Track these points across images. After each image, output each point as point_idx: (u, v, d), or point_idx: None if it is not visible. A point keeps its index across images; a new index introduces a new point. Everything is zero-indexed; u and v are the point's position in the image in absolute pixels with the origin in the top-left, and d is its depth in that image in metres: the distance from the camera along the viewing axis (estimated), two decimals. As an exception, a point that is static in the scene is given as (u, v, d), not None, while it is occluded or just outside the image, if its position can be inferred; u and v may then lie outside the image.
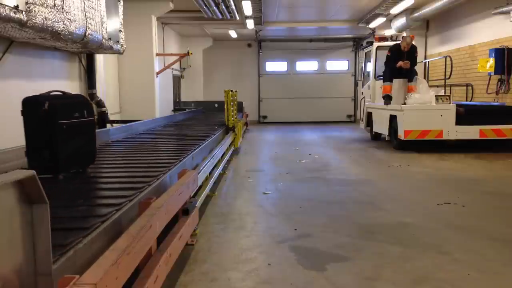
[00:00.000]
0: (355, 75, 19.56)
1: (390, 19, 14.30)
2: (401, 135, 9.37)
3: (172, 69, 15.09)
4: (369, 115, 11.83)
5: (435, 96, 9.50)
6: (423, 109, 9.33)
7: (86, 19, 6.31)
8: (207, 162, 5.33)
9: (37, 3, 5.00)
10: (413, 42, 10.17)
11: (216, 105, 15.60)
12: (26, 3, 4.86)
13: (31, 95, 3.65)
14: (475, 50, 12.22)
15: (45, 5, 5.17)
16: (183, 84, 18.06)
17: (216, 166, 6.20)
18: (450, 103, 9.45)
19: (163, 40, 14.36)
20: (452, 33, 13.54)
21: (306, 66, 20.13)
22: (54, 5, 5.37)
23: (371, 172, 7.48)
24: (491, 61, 10.72)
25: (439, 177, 6.90)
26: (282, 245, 3.89)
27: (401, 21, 13.87)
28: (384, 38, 12.22)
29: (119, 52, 8.12)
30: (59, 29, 5.51)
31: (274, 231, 4.31)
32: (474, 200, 5.48)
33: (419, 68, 11.31)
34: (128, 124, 7.78)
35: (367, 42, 13.57)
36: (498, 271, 3.30)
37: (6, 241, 1.50)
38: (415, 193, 5.87)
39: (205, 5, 10.90)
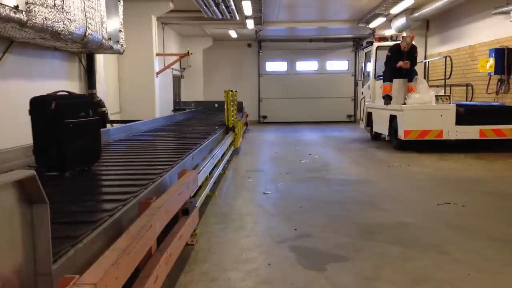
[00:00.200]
0: (355, 75, 19.56)
1: (390, 19, 14.30)
2: (401, 135, 9.37)
3: (172, 69, 15.10)
4: (369, 115, 11.83)
5: (435, 96, 9.50)
6: (423, 109, 9.33)
7: (86, 19, 6.31)
8: (207, 162, 5.34)
9: (37, 3, 5.00)
10: (413, 42, 10.17)
11: (216, 105, 15.60)
12: (26, 3, 4.86)
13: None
14: (475, 50, 12.22)
15: (45, 5, 5.17)
16: (183, 84, 18.06)
17: (216, 166, 6.20)
18: (450, 103, 9.45)
19: (163, 40, 14.36)
20: (452, 33, 13.54)
21: (306, 66, 20.13)
22: (54, 5, 5.37)
23: (371, 172, 7.48)
24: (491, 61, 10.72)
25: (439, 177, 6.90)
26: (282, 245, 3.89)
27: (401, 21, 13.87)
28: (384, 38, 12.22)
29: (119, 52, 8.12)
30: (59, 29, 5.51)
31: (274, 231, 4.31)
32: (474, 200, 5.48)
33: (419, 68, 11.31)
34: (128, 124, 7.78)
35: (367, 42, 13.57)
36: (498, 271, 3.30)
37: (6, 241, 1.50)
38: (415, 193, 5.87)
39: (205, 5, 10.90)
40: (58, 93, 3.81)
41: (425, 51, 15.38)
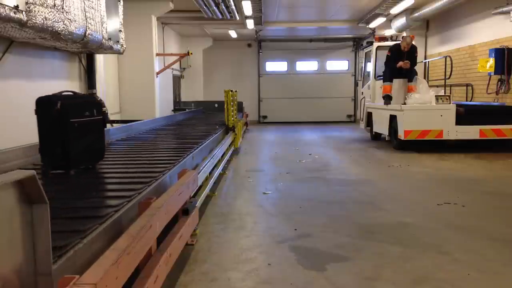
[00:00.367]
0: (355, 75, 19.56)
1: (390, 19, 14.30)
2: (401, 135, 9.37)
3: (172, 69, 15.09)
4: (369, 115, 11.83)
5: (435, 96, 9.50)
6: (423, 109, 9.33)
7: (86, 19, 6.30)
8: (207, 162, 5.34)
9: (37, 3, 5.00)
10: (413, 42, 10.17)
11: (216, 105, 15.60)
12: (26, 3, 4.86)
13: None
14: (475, 50, 12.22)
15: (45, 5, 5.17)
16: (183, 84, 18.06)
17: (216, 166, 6.20)
18: (450, 103, 9.45)
19: (163, 40, 14.36)
20: (452, 33, 13.54)
21: (306, 66, 20.13)
22: (54, 5, 5.37)
23: (371, 172, 7.48)
24: (491, 61, 10.72)
25: (439, 177, 6.90)
26: (282, 245, 3.89)
27: (401, 21, 13.87)
28: (384, 38, 12.22)
29: (119, 52, 8.11)
30: (59, 29, 5.51)
31: (274, 231, 4.31)
32: (474, 200, 5.48)
33: (419, 68, 11.31)
34: (128, 124, 7.78)
35: (367, 42, 13.57)
36: (498, 271, 3.30)
37: (6, 241, 1.50)
38: (415, 193, 5.87)
39: (205, 5, 10.90)
40: (63, 93, 3.91)
41: (425, 51, 15.38)
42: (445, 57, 11.22)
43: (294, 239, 4.06)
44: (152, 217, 2.47)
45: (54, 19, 5.33)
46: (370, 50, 12.29)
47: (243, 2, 11.46)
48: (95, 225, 2.26)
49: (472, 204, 5.26)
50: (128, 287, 2.09)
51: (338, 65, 20.12)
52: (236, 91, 10.86)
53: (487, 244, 3.86)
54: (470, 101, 12.12)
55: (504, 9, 10.38)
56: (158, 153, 5.06)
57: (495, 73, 10.70)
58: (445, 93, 10.69)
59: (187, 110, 14.52)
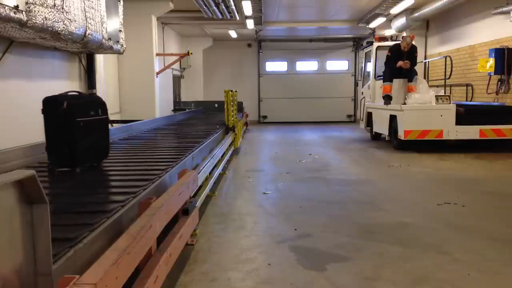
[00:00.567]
0: (355, 75, 19.56)
1: (390, 19, 14.30)
2: (401, 135, 9.37)
3: (172, 69, 15.09)
4: (369, 115, 11.83)
5: (435, 96, 9.50)
6: (423, 109, 9.33)
7: (86, 19, 6.30)
8: (207, 162, 5.33)
9: (37, 3, 5.00)
10: (413, 42, 10.17)
11: (216, 105, 15.60)
12: (26, 3, 4.86)
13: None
14: (475, 50, 12.22)
15: (45, 5, 5.17)
16: (183, 84, 18.06)
17: (216, 166, 6.19)
18: (450, 103, 9.45)
19: (163, 40, 14.36)
20: (452, 33, 13.54)
21: (306, 66, 20.13)
22: (54, 5, 5.37)
23: (371, 172, 7.48)
24: (491, 61, 10.72)
25: (439, 177, 6.90)
26: (282, 245, 3.89)
27: (401, 21, 13.87)
28: (384, 38, 12.22)
29: (119, 52, 8.11)
30: (59, 29, 5.51)
31: (274, 231, 4.31)
32: (474, 200, 5.48)
33: (419, 68, 11.31)
34: (128, 124, 7.79)
35: (367, 42, 13.56)
36: (498, 271, 3.30)
37: (6, 241, 1.50)
38: (415, 193, 5.87)
39: (205, 5, 10.90)
40: (69, 93, 4.00)
41: (425, 51, 15.38)
42: (445, 57, 11.22)
43: (294, 239, 4.06)
44: (152, 217, 2.47)
45: (54, 19, 5.33)
46: (370, 50, 12.29)
47: (243, 2, 11.46)
48: (103, 219, 2.36)
49: (472, 204, 5.26)
50: (128, 287, 2.09)
51: (338, 65, 20.12)
52: (236, 91, 10.85)
53: (487, 244, 3.86)
54: (470, 101, 12.12)
55: (504, 9, 10.38)
56: (159, 153, 5.08)
57: (495, 73, 10.71)
58: (445, 93, 10.69)
59: (187, 110, 14.53)
